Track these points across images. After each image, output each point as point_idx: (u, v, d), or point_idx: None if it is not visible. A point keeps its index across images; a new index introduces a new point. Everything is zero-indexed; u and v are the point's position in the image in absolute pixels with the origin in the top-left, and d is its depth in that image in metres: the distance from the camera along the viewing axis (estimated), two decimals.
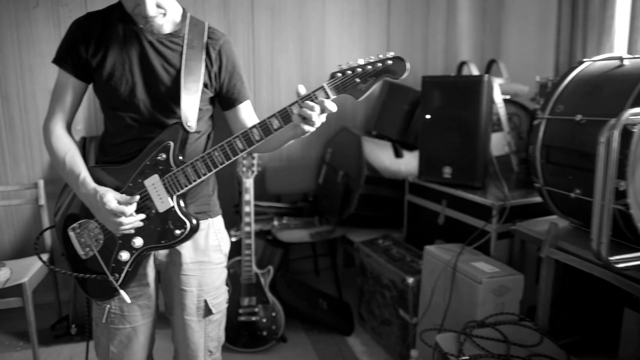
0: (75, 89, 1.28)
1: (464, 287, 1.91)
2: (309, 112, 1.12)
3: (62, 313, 2.85)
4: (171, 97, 1.26)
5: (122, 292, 1.28)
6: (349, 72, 1.15)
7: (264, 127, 1.18)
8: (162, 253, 1.37)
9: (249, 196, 2.57)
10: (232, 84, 1.37)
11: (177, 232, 1.24)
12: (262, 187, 3.18)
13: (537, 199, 2.16)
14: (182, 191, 1.24)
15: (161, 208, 1.24)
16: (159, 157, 1.23)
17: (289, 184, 3.31)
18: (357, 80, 1.14)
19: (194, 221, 1.26)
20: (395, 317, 2.37)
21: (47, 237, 2.76)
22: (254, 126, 1.18)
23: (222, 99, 1.39)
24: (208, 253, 1.40)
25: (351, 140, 2.96)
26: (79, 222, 1.30)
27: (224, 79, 1.35)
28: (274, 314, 2.52)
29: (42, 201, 2.73)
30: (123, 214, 1.18)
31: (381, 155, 2.87)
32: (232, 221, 2.88)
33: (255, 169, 2.57)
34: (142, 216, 1.23)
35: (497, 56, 3.51)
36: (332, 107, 1.13)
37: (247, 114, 1.42)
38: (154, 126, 1.26)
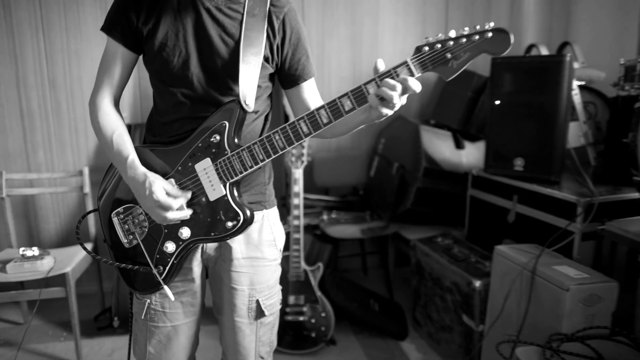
0: (124, 60, 1.17)
1: (546, 295, 1.67)
2: (389, 92, 0.95)
3: (105, 304, 2.79)
4: (228, 71, 1.13)
5: (165, 287, 1.18)
6: (438, 45, 0.96)
7: (334, 108, 1.01)
8: (211, 247, 1.25)
9: (298, 188, 2.42)
10: (296, 58, 1.21)
11: (229, 224, 1.12)
12: (310, 179, 3.03)
13: (630, 195, 1.89)
14: (236, 178, 1.11)
15: (212, 196, 1.12)
16: (212, 139, 1.11)
17: (338, 176, 3.15)
18: (449, 55, 0.96)
19: (248, 212, 1.12)
20: (457, 323, 2.15)
21: (91, 224, 2.70)
22: (322, 107, 1.03)
23: (283, 75, 1.24)
24: (261, 248, 1.27)
25: (408, 129, 2.75)
26: (123, 206, 1.20)
27: (287, 53, 1.20)
28: (323, 315, 2.35)
29: (87, 189, 2.67)
30: (170, 208, 1.08)
31: (441, 146, 2.64)
32: (279, 214, 2.72)
33: (305, 158, 2.42)
34: (190, 211, 1.13)
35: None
36: (416, 86, 0.96)
37: (311, 94, 1.26)
38: (208, 104, 1.14)
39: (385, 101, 0.97)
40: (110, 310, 2.64)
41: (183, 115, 1.16)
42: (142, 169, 1.11)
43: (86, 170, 2.67)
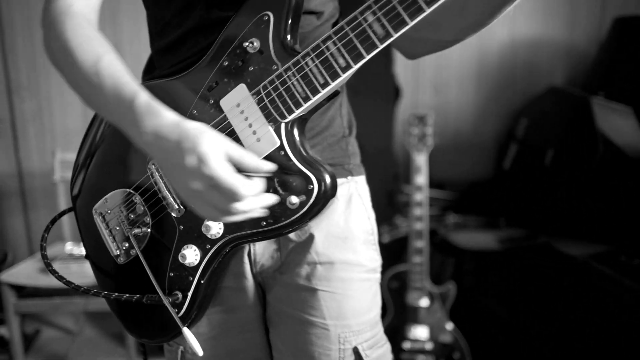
0: None
1: None
2: None
3: None
4: None
5: (186, 332, 0.75)
6: None
7: None
8: (263, 250, 0.81)
9: (422, 179, 1.83)
10: None
11: (294, 199, 0.67)
12: None
13: None
14: (297, 112, 0.68)
15: (257, 152, 0.69)
16: (246, 47, 0.70)
17: (455, 169, 2.57)
18: None
19: (327, 175, 0.67)
20: None
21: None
22: None
23: None
24: (354, 244, 0.82)
25: (568, 104, 2.11)
26: (108, 194, 0.80)
27: None
28: (457, 357, 1.76)
29: None
30: (235, 195, 0.58)
31: (623, 126, 1.92)
32: (384, 215, 2.22)
33: (431, 140, 1.85)
34: (275, 198, 0.66)
35: None
36: None
37: None
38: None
39: None
40: None
41: (194, 24, 0.76)
42: (171, 116, 0.64)
43: None
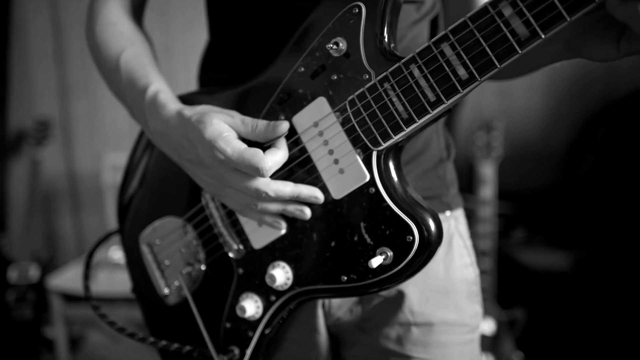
0: None
1: None
2: None
3: None
4: None
5: None
6: None
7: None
8: (342, 300, 0.69)
9: (488, 192, 1.69)
10: None
11: (384, 254, 0.53)
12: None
13: None
14: (396, 138, 0.52)
15: (339, 188, 0.56)
16: (332, 50, 0.54)
17: (521, 180, 2.36)
18: None
19: (431, 219, 0.52)
20: None
21: None
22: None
23: None
24: (457, 300, 0.68)
25: None
26: (159, 221, 0.70)
27: None
28: None
29: None
30: (256, 169, 0.52)
31: None
32: None
33: (499, 150, 1.70)
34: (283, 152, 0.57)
35: None
36: None
37: None
38: None
39: None
40: None
41: (264, 11, 0.66)
42: (173, 107, 0.59)
43: None
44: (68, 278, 1.88)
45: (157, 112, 0.60)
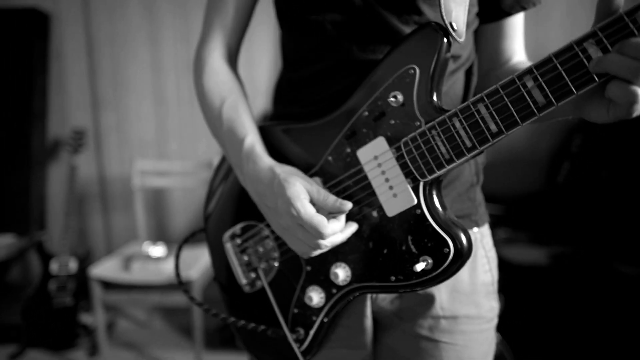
0: None
1: None
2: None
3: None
4: None
5: None
6: None
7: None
8: (385, 295, 0.78)
9: None
10: None
11: (426, 261, 0.63)
12: None
13: None
14: (440, 173, 0.62)
15: (392, 208, 0.65)
16: (391, 101, 0.65)
17: (506, 183, 2.54)
18: None
19: (464, 238, 0.62)
20: None
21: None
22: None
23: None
24: (477, 299, 0.78)
25: (626, 121, 2.01)
26: (241, 224, 0.80)
27: None
28: None
29: None
30: (321, 231, 0.62)
31: None
32: None
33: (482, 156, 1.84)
34: (354, 227, 0.68)
35: None
36: None
37: (514, 41, 0.81)
38: (378, 39, 0.70)
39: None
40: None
41: (333, 62, 0.73)
42: (267, 161, 0.70)
43: (216, 161, 2.39)
44: (106, 268, 2.04)
45: (253, 161, 0.69)
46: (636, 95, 0.49)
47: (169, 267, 1.99)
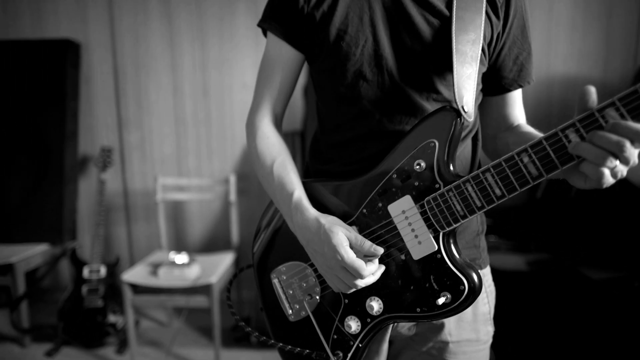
0: (288, 63, 0.90)
1: None
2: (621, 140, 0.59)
3: (243, 313, 2.74)
4: (436, 64, 0.82)
5: None
6: None
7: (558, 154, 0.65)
8: (405, 323, 0.92)
9: None
10: (514, 54, 0.89)
11: (447, 295, 0.76)
12: None
13: None
14: (454, 226, 0.75)
15: (417, 253, 0.77)
16: (415, 167, 0.77)
17: None
18: None
19: (475, 278, 0.75)
20: None
21: (234, 231, 2.65)
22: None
23: (492, 76, 0.90)
24: (476, 327, 0.93)
25: None
26: (286, 263, 0.90)
27: (503, 44, 0.87)
28: None
29: (233, 197, 2.64)
30: (360, 272, 0.75)
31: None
32: None
33: None
34: (383, 269, 0.79)
35: None
36: None
37: (514, 109, 0.95)
38: (404, 113, 0.83)
39: (614, 154, 0.60)
40: (248, 321, 2.58)
41: (365, 131, 0.85)
42: (312, 212, 0.80)
43: (232, 179, 2.65)
44: (134, 274, 2.22)
45: (301, 211, 0.80)
46: (603, 175, 0.61)
47: (192, 272, 2.23)
